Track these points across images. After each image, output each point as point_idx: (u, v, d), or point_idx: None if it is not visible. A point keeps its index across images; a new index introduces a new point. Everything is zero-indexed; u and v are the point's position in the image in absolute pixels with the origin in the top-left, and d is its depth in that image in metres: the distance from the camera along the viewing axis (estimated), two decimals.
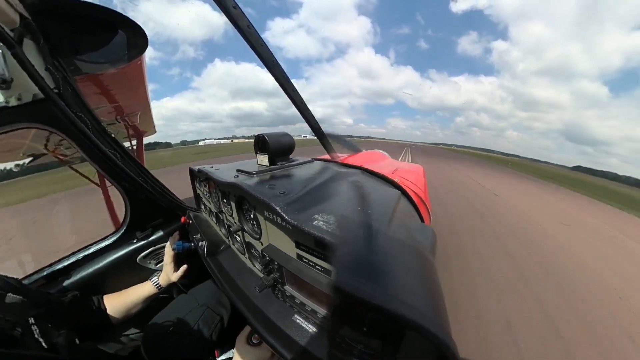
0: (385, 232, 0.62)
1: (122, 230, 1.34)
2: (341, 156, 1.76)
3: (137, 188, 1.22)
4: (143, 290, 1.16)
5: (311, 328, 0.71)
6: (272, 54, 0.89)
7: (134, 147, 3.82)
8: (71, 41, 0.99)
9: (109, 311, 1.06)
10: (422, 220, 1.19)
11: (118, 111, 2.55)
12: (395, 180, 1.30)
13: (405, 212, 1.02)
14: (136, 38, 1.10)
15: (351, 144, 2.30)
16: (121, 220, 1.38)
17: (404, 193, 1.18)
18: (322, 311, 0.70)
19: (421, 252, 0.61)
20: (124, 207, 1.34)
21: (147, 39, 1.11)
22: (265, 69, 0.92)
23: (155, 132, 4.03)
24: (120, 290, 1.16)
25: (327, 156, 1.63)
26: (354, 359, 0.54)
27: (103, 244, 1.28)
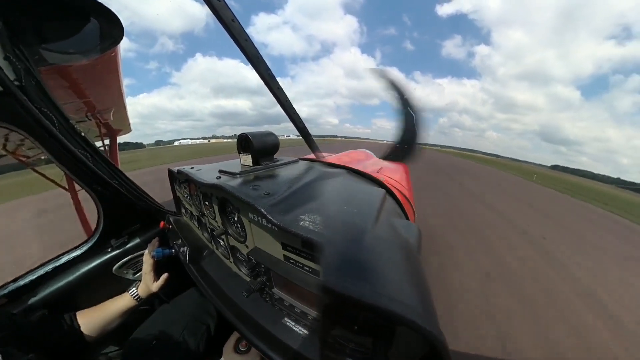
0: (372, 231, 0.63)
1: (95, 239, 1.24)
2: (327, 156, 1.76)
3: (110, 192, 1.14)
4: (121, 303, 1.08)
5: (302, 330, 0.71)
6: (257, 50, 0.87)
7: (107, 147, 3.60)
8: (36, 28, 0.88)
9: (83, 329, 0.97)
10: (407, 218, 1.22)
11: (89, 107, 2.37)
12: (381, 179, 1.31)
13: (391, 211, 1.03)
14: (111, 27, 1.00)
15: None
16: (93, 227, 1.28)
17: (389, 192, 1.20)
18: (312, 312, 0.69)
19: (407, 249, 0.62)
20: (96, 213, 1.24)
21: (122, 28, 1.02)
22: (250, 65, 0.89)
23: (130, 130, 3.83)
24: (95, 304, 1.07)
25: (312, 156, 1.62)
26: (346, 358, 0.54)
27: (73, 255, 1.18)
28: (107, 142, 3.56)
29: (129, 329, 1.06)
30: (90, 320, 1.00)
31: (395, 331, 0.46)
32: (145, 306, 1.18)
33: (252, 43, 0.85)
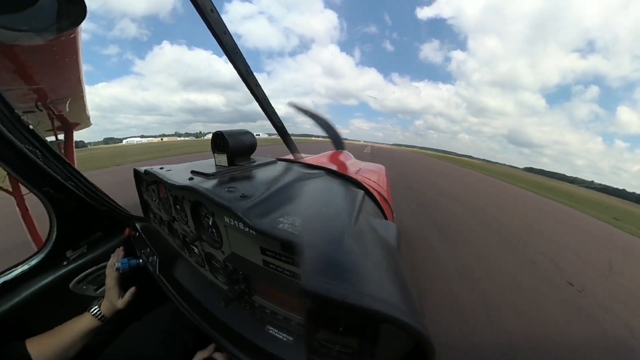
0: (351, 231, 0.63)
1: (47, 251, 1.08)
2: (305, 156, 1.75)
3: (65, 195, 1.02)
4: (81, 324, 0.95)
5: (286, 337, 0.69)
6: (236, 44, 0.83)
7: (62, 143, 3.16)
8: None
9: (35, 359, 0.82)
10: (386, 218, 1.25)
11: (40, 96, 2.00)
12: (359, 180, 1.33)
13: (369, 211, 1.05)
14: (71, 5, 0.84)
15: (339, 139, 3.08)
16: (44, 237, 1.13)
17: (368, 192, 1.22)
18: (295, 318, 0.68)
19: (387, 248, 0.63)
20: (47, 221, 1.09)
21: (85, 7, 0.90)
22: (227, 59, 0.86)
23: (89, 124, 3.40)
24: (50, 328, 0.92)
25: (290, 156, 1.60)
26: None
27: (19, 271, 1.02)
28: (61, 137, 3.13)
29: (93, 353, 0.94)
30: (45, 347, 0.86)
31: (380, 329, 0.47)
32: (111, 326, 1.05)
33: (231, 36, 0.82)
